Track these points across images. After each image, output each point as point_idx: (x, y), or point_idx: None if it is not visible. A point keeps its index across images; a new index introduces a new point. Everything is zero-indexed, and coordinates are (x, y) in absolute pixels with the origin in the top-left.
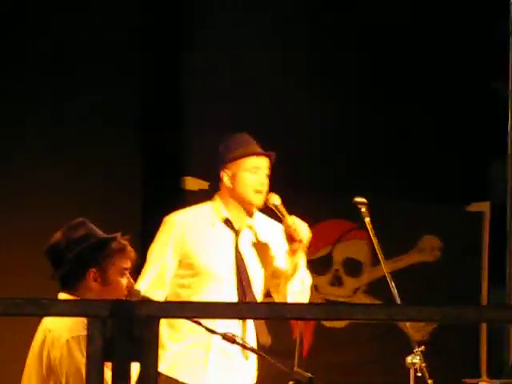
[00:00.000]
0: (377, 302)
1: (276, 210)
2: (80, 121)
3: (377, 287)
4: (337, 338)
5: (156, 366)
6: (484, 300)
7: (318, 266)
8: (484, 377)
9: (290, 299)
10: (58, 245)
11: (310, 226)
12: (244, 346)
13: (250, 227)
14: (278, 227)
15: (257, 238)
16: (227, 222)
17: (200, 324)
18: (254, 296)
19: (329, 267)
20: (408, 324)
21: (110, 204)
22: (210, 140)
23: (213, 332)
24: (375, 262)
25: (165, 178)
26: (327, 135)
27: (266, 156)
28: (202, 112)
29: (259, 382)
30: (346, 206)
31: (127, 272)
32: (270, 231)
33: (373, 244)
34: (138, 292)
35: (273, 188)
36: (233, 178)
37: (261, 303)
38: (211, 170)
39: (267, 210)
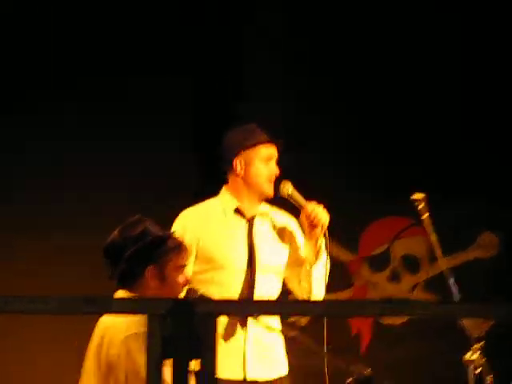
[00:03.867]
0: (435, 298)
1: (291, 200)
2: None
3: (435, 284)
4: (395, 334)
5: (215, 363)
6: None
7: (376, 262)
8: None
9: (316, 285)
10: (115, 243)
11: (368, 224)
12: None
13: (262, 215)
14: (289, 218)
15: (270, 226)
16: (238, 212)
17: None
18: (261, 286)
19: (387, 264)
20: (465, 324)
21: (163, 200)
22: None
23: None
24: (433, 258)
25: (217, 174)
26: (379, 132)
27: (276, 144)
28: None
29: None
30: (404, 203)
31: (183, 269)
32: (282, 220)
33: (430, 241)
34: (196, 290)
35: (329, 185)
36: (247, 166)
37: (320, 301)
38: None
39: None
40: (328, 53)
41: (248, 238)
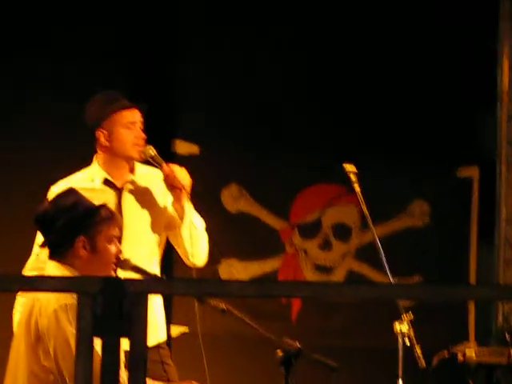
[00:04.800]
0: (365, 266)
1: (153, 161)
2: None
3: (366, 252)
4: (325, 301)
5: (145, 342)
6: (473, 264)
7: (307, 230)
8: (472, 342)
9: (187, 246)
10: (47, 213)
11: (298, 192)
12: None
13: (132, 182)
14: (161, 176)
15: (140, 192)
16: (107, 182)
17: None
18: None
19: (318, 231)
20: None
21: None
22: (202, 101)
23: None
24: (364, 226)
25: (156, 141)
26: (313, 96)
27: (137, 108)
28: (192, 73)
29: (247, 356)
30: (335, 170)
31: (116, 239)
32: (155, 181)
33: (362, 209)
34: (128, 260)
35: (258, 155)
36: (109, 135)
37: (248, 282)
38: (202, 133)
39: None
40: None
41: (117, 209)
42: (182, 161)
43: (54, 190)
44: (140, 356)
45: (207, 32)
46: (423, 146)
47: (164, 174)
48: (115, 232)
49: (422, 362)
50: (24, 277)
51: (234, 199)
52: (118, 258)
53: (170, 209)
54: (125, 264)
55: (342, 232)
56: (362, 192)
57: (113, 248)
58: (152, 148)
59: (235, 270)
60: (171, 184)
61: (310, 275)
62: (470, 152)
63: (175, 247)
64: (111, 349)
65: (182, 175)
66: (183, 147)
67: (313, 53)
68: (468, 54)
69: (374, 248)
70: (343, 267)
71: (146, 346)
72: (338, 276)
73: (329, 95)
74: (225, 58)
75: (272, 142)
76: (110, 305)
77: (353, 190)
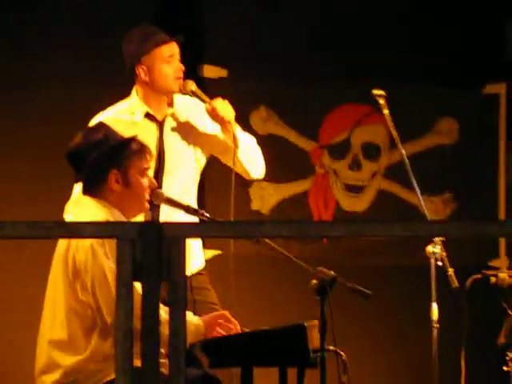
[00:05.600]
0: (395, 185)
1: (195, 96)
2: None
3: (395, 171)
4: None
5: (185, 285)
6: (502, 180)
7: (336, 150)
8: (503, 257)
9: (247, 166)
10: (79, 148)
11: (327, 112)
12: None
13: (173, 115)
14: (201, 105)
15: (182, 124)
16: (149, 116)
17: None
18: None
19: (347, 152)
20: (424, 207)
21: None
22: (228, 26)
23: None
24: (393, 145)
25: (184, 66)
26: (337, 20)
27: (176, 41)
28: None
29: (282, 281)
30: (362, 90)
31: (147, 172)
32: (195, 111)
33: (390, 129)
34: (162, 193)
35: (287, 77)
36: (149, 71)
37: (282, 222)
38: (229, 57)
39: None
40: None
41: (158, 142)
42: (210, 85)
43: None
44: (180, 298)
45: None
46: (450, 63)
47: (207, 111)
48: (146, 164)
49: (455, 283)
50: (64, 223)
51: (264, 121)
52: (152, 191)
53: (220, 135)
54: (158, 196)
55: (371, 151)
56: (390, 113)
57: (145, 181)
58: (192, 82)
59: (266, 192)
60: (215, 119)
61: (340, 195)
62: (497, 69)
63: (233, 168)
64: (151, 292)
65: (225, 109)
66: (211, 71)
67: None
68: None
69: (403, 167)
70: (373, 186)
71: (186, 289)
72: (369, 195)
73: (352, 20)
74: None
75: (299, 63)
76: (148, 249)
77: (377, 106)
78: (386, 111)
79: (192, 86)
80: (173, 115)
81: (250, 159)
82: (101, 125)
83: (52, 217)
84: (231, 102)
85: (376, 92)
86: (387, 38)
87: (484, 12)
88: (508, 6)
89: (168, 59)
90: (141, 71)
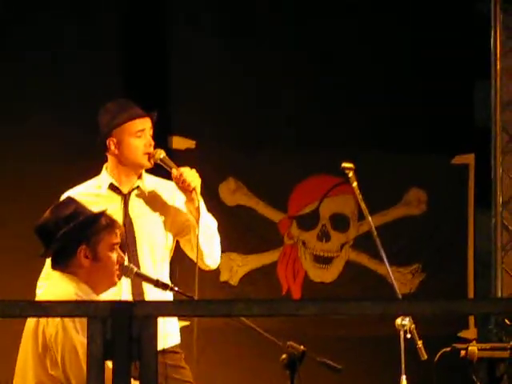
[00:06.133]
0: (364, 256)
1: (163, 164)
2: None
3: (364, 242)
4: (325, 292)
5: (156, 364)
6: (471, 250)
7: (305, 221)
8: (472, 328)
9: (204, 247)
10: (47, 224)
11: (296, 183)
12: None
13: (139, 188)
14: (169, 183)
15: (148, 198)
16: (113, 188)
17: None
18: (141, 261)
19: (316, 223)
20: (393, 277)
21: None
22: (196, 95)
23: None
24: (362, 216)
25: (152, 137)
26: (307, 89)
27: (149, 117)
28: (187, 70)
29: (250, 354)
30: (331, 160)
31: (117, 247)
32: (162, 188)
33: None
34: (131, 268)
35: (255, 148)
36: (119, 144)
37: (254, 300)
38: (197, 127)
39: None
40: None
41: (123, 214)
42: (178, 156)
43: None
44: (151, 377)
45: (199, 22)
46: (419, 135)
47: (174, 177)
48: (116, 239)
49: (424, 355)
50: (36, 302)
51: (232, 192)
52: (120, 265)
53: (183, 213)
54: (128, 271)
55: (339, 222)
56: (358, 183)
57: (114, 255)
58: (162, 151)
59: (235, 263)
60: (183, 187)
61: (309, 266)
62: (466, 140)
63: (187, 252)
64: (122, 372)
65: (192, 176)
66: (179, 142)
67: (310, 47)
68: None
69: (371, 238)
70: (342, 257)
71: (157, 368)
72: (337, 266)
73: (320, 87)
74: (218, 52)
75: (268, 134)
76: (119, 328)
77: (350, 182)
78: (354, 184)
79: (161, 154)
80: (139, 188)
81: (208, 241)
82: (70, 200)
83: (25, 293)
84: (199, 173)
85: (345, 165)
86: (358, 107)
87: (454, 75)
88: (478, 67)
89: (138, 134)
90: (111, 143)
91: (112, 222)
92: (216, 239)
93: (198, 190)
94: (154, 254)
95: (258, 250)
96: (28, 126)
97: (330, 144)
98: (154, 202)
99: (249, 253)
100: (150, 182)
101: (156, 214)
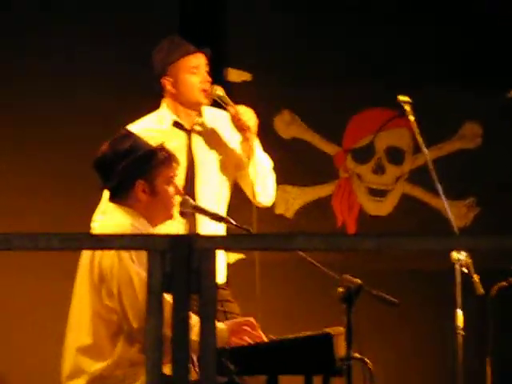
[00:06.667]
0: (418, 189)
1: (220, 101)
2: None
3: (419, 175)
4: (380, 226)
5: (215, 296)
6: None
7: (360, 154)
8: None
9: (255, 185)
10: (105, 158)
11: (351, 116)
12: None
13: (202, 124)
14: (228, 117)
15: (209, 134)
16: (177, 124)
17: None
18: (200, 198)
19: (371, 156)
20: (449, 211)
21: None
22: (252, 29)
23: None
24: (417, 149)
25: (208, 73)
26: (362, 22)
27: (202, 53)
28: (244, 3)
29: (307, 287)
30: (386, 93)
31: (174, 180)
32: (222, 124)
33: (414, 133)
34: (188, 200)
35: (310, 80)
36: (175, 82)
37: (314, 234)
38: (253, 60)
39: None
40: None
41: (187, 152)
42: (234, 88)
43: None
44: (210, 311)
45: None
46: (473, 67)
47: (230, 115)
48: (173, 173)
49: (480, 289)
50: (94, 235)
51: (287, 125)
52: (179, 199)
53: (239, 149)
54: (185, 204)
55: (395, 156)
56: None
57: (172, 189)
58: (220, 88)
59: (290, 196)
60: (237, 125)
61: (364, 199)
62: None
63: (243, 187)
64: (181, 304)
65: (248, 116)
66: (235, 75)
67: None
68: None
69: (426, 171)
70: (397, 190)
71: (216, 301)
72: (392, 199)
73: (376, 19)
74: None
75: (324, 66)
76: (179, 261)
77: (404, 113)
78: (411, 118)
79: (219, 91)
80: (201, 124)
81: (262, 180)
82: (128, 134)
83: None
84: (255, 106)
85: (402, 98)
86: (412, 42)
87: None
88: None
89: (193, 70)
90: (166, 82)
91: (169, 156)
92: (270, 178)
93: (254, 129)
94: (213, 192)
95: (313, 183)
96: (78, 62)
97: (386, 77)
98: (213, 139)
99: (304, 186)
100: (210, 118)
101: (216, 152)
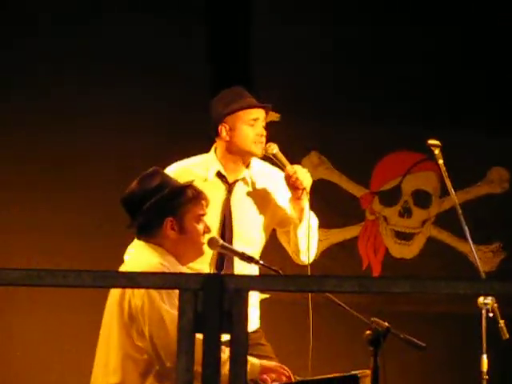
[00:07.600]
0: (445, 233)
1: (275, 159)
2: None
3: (445, 219)
4: (405, 269)
5: (246, 337)
6: None
7: (387, 197)
8: None
9: (301, 245)
10: (134, 195)
11: (379, 159)
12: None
13: (244, 179)
14: (278, 174)
15: (253, 189)
16: (220, 175)
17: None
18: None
19: (398, 198)
20: (476, 255)
21: (176, 132)
22: (279, 71)
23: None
24: (444, 193)
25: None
26: (393, 66)
27: (263, 108)
28: (270, 43)
29: (335, 329)
30: (412, 136)
31: (203, 218)
32: (270, 179)
33: (442, 175)
34: (217, 239)
35: (338, 122)
36: (231, 130)
37: (348, 277)
38: (281, 101)
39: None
40: None
41: (225, 205)
42: None
43: (169, 171)
44: (241, 351)
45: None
46: (501, 113)
47: (286, 174)
48: (202, 211)
49: (506, 334)
50: (127, 273)
51: (315, 167)
52: (207, 238)
53: (286, 207)
54: (214, 242)
55: (422, 199)
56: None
57: (201, 227)
58: (275, 146)
59: None
60: (293, 184)
61: (390, 242)
62: None
63: (282, 242)
64: (212, 344)
65: (304, 175)
66: None
67: (385, 28)
68: None
69: (453, 215)
70: (423, 234)
71: (247, 342)
72: (418, 243)
73: (405, 63)
74: (302, 28)
75: (351, 109)
76: (210, 301)
77: (432, 156)
78: (440, 161)
79: (274, 149)
80: (244, 179)
81: (309, 240)
82: (156, 171)
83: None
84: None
85: (431, 142)
86: (440, 86)
87: None
88: None
89: (251, 122)
90: (223, 129)
91: (198, 194)
92: (315, 238)
93: (308, 189)
94: (247, 246)
95: (340, 225)
96: (119, 99)
97: (412, 120)
98: (257, 194)
99: (330, 227)
100: (257, 172)
101: (257, 207)
